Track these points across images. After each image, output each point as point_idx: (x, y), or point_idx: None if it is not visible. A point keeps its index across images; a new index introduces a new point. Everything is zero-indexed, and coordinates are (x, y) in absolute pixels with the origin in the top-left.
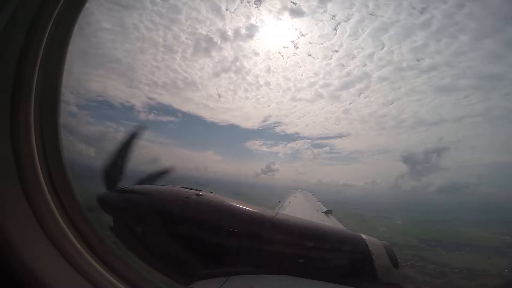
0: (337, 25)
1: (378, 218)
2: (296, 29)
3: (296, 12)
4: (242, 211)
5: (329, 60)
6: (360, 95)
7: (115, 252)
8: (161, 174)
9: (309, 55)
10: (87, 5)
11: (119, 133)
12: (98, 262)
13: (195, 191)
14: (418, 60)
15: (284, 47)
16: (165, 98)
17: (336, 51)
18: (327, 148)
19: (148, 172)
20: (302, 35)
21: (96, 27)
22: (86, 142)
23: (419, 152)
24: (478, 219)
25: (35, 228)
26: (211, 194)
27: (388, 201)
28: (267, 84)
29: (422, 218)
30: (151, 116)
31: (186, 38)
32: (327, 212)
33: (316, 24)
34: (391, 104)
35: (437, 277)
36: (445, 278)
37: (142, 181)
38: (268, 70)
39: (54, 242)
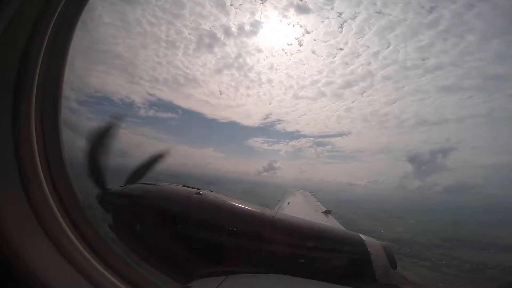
0: (343, 23)
1: (391, 218)
2: (301, 26)
3: (302, 9)
4: (242, 210)
5: (333, 58)
6: (363, 93)
7: (115, 251)
8: (155, 160)
9: (313, 52)
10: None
11: (119, 129)
12: (98, 261)
13: (194, 189)
14: (423, 59)
15: (288, 44)
16: (166, 94)
17: (341, 49)
18: (329, 146)
19: (142, 161)
20: (307, 32)
21: (98, 22)
22: (86, 138)
23: (424, 152)
24: (488, 219)
25: (35, 227)
26: (210, 192)
27: (394, 201)
28: (269, 81)
29: (433, 218)
30: (151, 112)
31: (189, 34)
32: (326, 212)
33: (322, 21)
34: (393, 103)
35: (477, 273)
36: (484, 274)
37: (137, 172)
38: (271, 67)
39: (54, 241)
